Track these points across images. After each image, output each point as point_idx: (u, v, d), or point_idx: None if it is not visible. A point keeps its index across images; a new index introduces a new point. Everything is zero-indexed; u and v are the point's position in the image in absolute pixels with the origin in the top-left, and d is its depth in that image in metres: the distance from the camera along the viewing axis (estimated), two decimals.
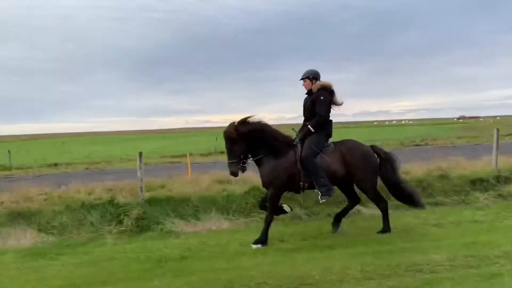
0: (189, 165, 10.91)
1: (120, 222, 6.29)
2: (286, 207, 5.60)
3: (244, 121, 5.24)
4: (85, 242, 5.84)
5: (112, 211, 6.47)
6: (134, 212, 6.36)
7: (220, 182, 7.78)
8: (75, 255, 5.29)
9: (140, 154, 7.17)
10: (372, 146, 5.72)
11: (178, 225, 6.37)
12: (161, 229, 6.19)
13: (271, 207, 5.35)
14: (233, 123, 5.22)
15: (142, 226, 6.29)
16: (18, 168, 20.61)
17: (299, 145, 5.34)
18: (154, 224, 6.31)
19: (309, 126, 5.38)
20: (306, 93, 5.63)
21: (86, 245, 5.73)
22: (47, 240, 6.03)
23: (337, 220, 5.75)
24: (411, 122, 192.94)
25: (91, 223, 6.32)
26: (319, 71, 5.59)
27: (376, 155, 5.58)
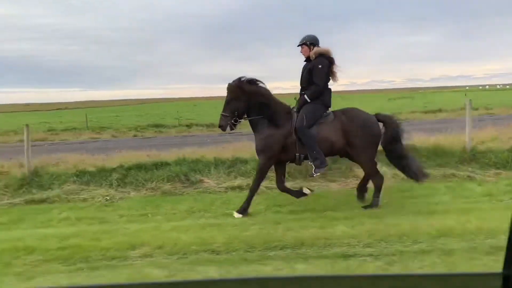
0: None
1: None
2: (306, 190, 5.38)
3: (251, 81, 5.16)
4: None
5: None
6: None
7: None
8: None
9: None
10: (376, 114, 5.34)
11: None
12: None
13: (259, 175, 5.25)
14: (240, 78, 5.13)
15: None
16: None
17: (295, 114, 5.15)
18: None
19: (305, 96, 5.15)
20: (305, 60, 5.35)
21: None
22: None
23: (361, 191, 5.48)
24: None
25: None
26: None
27: (379, 124, 5.24)
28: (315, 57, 5.17)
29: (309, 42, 5.27)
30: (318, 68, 5.09)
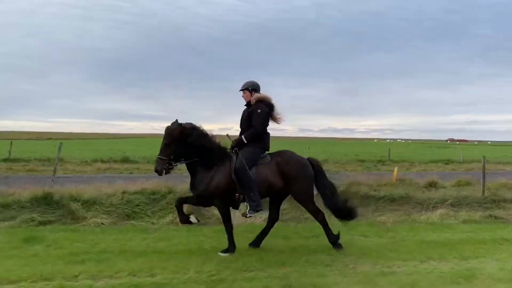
0: None
1: None
2: (193, 219, 5.29)
3: (190, 125, 5.20)
4: None
5: None
6: None
7: None
8: None
9: None
10: (308, 158, 5.64)
11: None
12: None
13: (225, 219, 5.28)
14: (178, 122, 5.16)
15: None
16: None
17: (234, 156, 5.22)
18: None
19: (242, 137, 5.29)
20: (245, 105, 5.53)
21: None
22: None
23: (258, 241, 5.57)
24: (403, 141, 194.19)
25: None
26: (259, 83, 5.52)
27: (311, 166, 5.51)
28: (255, 102, 5.34)
29: (251, 88, 5.44)
30: (257, 113, 5.25)
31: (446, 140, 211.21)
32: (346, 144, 79.35)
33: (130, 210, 7.18)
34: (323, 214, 5.48)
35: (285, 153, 5.51)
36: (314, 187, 5.57)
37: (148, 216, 7.11)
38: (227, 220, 5.27)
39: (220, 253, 5.15)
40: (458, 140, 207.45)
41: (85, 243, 5.55)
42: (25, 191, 7.36)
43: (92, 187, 8.05)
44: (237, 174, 5.05)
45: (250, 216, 5.25)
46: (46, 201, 7.10)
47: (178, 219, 5.38)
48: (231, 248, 5.23)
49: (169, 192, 7.70)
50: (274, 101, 5.45)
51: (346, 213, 5.58)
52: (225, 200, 5.23)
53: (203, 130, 5.26)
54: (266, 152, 5.41)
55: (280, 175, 5.23)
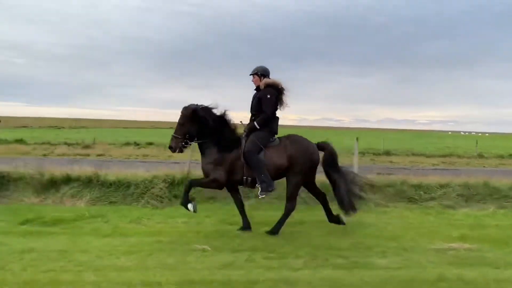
0: None
1: None
2: (190, 206, 5.34)
3: (206, 107, 5.42)
4: None
5: None
6: None
7: None
8: None
9: None
10: (317, 143, 5.73)
11: None
12: None
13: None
14: (196, 104, 5.39)
15: None
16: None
17: (243, 140, 5.43)
18: None
19: (254, 123, 5.46)
20: (255, 89, 5.71)
21: None
22: None
23: (333, 219, 5.78)
24: (487, 135, 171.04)
25: None
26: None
27: (318, 153, 5.62)
28: (264, 87, 5.53)
29: (260, 73, 5.64)
30: (267, 98, 5.44)
31: None
32: (429, 136, 72.88)
33: None
34: (294, 207, 5.57)
35: (294, 136, 5.71)
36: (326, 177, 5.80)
37: None
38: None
39: (237, 231, 5.55)
40: None
41: None
42: None
43: None
44: (246, 157, 5.31)
45: (263, 197, 5.44)
46: None
47: (181, 199, 5.55)
48: (245, 226, 5.60)
49: None
50: (283, 85, 5.60)
51: (350, 206, 5.65)
52: (233, 183, 5.52)
53: (216, 113, 5.50)
54: (275, 136, 5.65)
55: (286, 156, 5.45)
